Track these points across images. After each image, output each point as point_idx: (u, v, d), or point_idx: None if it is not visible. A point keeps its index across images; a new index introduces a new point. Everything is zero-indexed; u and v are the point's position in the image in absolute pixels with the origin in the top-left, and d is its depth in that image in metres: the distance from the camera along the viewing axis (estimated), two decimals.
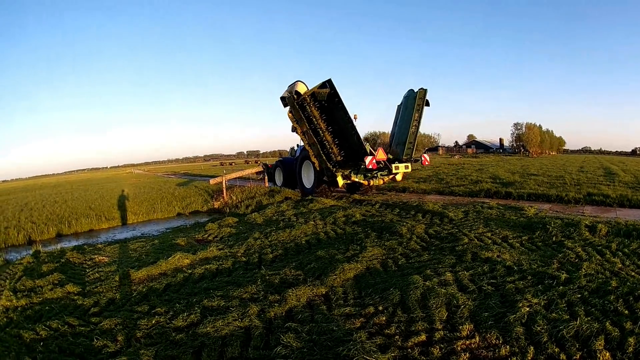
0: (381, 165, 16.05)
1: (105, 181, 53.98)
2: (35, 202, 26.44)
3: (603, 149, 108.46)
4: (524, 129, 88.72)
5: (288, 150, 24.53)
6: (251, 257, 9.25)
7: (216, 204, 20.74)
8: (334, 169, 15.80)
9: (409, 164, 16.44)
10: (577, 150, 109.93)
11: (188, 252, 9.94)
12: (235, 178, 24.34)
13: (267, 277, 7.42)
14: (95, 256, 10.57)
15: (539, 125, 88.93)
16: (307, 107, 15.40)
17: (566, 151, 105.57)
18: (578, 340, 4.32)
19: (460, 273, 6.66)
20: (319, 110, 15.69)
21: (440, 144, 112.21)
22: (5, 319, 6.59)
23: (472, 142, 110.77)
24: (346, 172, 15.98)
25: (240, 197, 20.32)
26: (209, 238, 12.41)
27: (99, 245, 12.28)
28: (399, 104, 17.67)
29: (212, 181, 23.02)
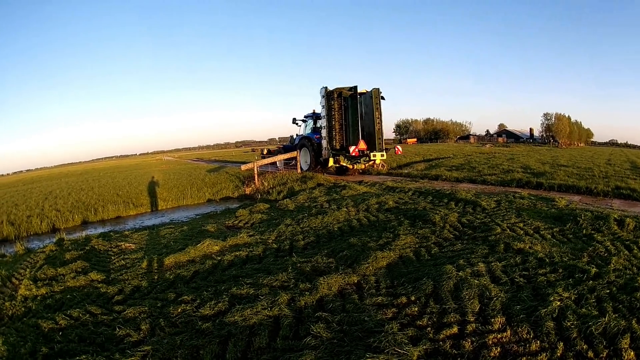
0: (362, 154, 20.63)
1: (134, 168, 54.84)
2: (60, 190, 26.99)
3: (629, 143, 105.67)
4: (553, 119, 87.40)
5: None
6: (282, 244, 9.24)
7: (247, 190, 20.89)
8: (329, 153, 21.10)
9: (384, 152, 21.02)
10: (604, 142, 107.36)
11: (218, 238, 10.00)
12: (267, 164, 24.41)
13: (298, 265, 7.40)
14: (122, 243, 10.71)
15: (568, 116, 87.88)
16: (331, 101, 20.89)
17: (594, 143, 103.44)
18: (605, 338, 4.24)
19: (493, 264, 6.56)
20: (340, 105, 21.11)
21: (471, 133, 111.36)
22: (23, 309, 6.71)
23: (502, 132, 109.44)
24: (338, 157, 20.94)
25: (272, 183, 20.37)
26: (240, 224, 12.48)
27: (126, 232, 12.46)
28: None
29: (243, 167, 23.10)
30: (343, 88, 21.03)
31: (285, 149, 25.72)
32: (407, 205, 11.93)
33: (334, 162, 21.21)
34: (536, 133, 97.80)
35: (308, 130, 24.52)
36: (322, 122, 21.69)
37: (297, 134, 26.01)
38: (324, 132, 21.42)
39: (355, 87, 20.63)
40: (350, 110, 20.88)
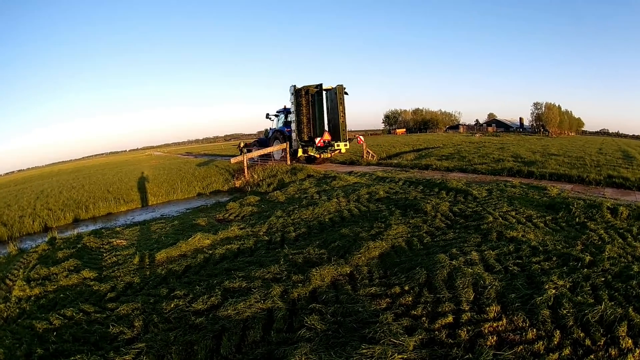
0: (327, 144, 23.19)
1: (124, 164, 54.33)
2: (52, 188, 26.65)
3: (621, 132, 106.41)
4: (543, 108, 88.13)
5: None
6: (273, 236, 9.16)
7: (237, 183, 20.75)
8: (298, 144, 23.08)
9: (347, 142, 23.74)
10: (596, 132, 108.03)
11: (209, 232, 9.88)
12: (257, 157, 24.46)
13: (290, 257, 7.33)
14: (113, 240, 10.60)
15: (558, 105, 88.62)
16: (299, 97, 22.73)
17: (584, 132, 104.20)
18: (602, 326, 4.21)
19: (486, 252, 6.52)
20: (307, 101, 23.04)
21: (461, 122, 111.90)
22: (17, 310, 6.60)
23: (492, 121, 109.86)
24: (306, 148, 23.04)
25: (261, 176, 20.28)
26: (230, 217, 12.38)
27: (117, 229, 12.34)
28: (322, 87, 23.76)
29: (233, 160, 22.99)
30: (310, 86, 23.10)
31: (260, 142, 27.84)
32: (398, 195, 11.87)
33: (303, 152, 23.37)
34: (526, 122, 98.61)
35: (280, 124, 26.20)
36: (291, 117, 23.53)
37: (270, 128, 28.01)
38: (293, 126, 23.39)
39: (321, 85, 23.18)
40: (317, 106, 23.38)
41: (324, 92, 23.57)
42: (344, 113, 23.15)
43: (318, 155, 23.96)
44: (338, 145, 23.28)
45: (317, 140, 22.86)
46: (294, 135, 23.56)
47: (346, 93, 22.96)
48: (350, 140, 24.83)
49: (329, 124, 24.08)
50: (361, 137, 27.91)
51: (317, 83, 23.25)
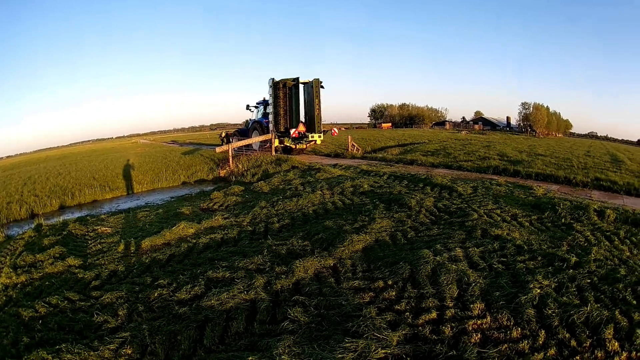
0: (302, 135, 23.97)
1: (110, 151, 53.76)
2: (39, 175, 26.23)
3: (609, 136, 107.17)
4: (531, 108, 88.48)
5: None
6: (257, 226, 9.16)
7: (222, 173, 20.73)
8: (274, 135, 23.58)
9: (322, 134, 24.40)
10: (584, 134, 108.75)
11: (193, 221, 9.87)
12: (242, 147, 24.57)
13: (274, 248, 7.35)
14: (98, 227, 10.50)
15: (547, 106, 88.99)
16: (277, 90, 23.33)
17: (572, 134, 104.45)
18: (588, 327, 4.27)
19: (470, 249, 6.58)
20: (285, 94, 23.58)
21: (447, 119, 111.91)
22: (4, 298, 6.53)
23: (479, 119, 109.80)
24: (282, 139, 23.97)
25: (246, 166, 20.31)
26: (214, 207, 12.36)
27: (102, 216, 12.22)
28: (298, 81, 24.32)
29: (218, 149, 23.06)
30: (287, 79, 23.62)
31: (240, 132, 29.07)
32: (382, 189, 11.91)
33: (279, 143, 24.25)
34: (513, 122, 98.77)
35: (259, 116, 27.33)
36: (269, 109, 24.38)
37: (250, 119, 29.02)
38: (271, 117, 24.15)
39: (297, 79, 23.75)
40: (293, 98, 23.89)
41: (300, 85, 24.26)
42: (319, 106, 23.93)
43: (293, 146, 24.97)
44: (312, 137, 24.05)
45: (292, 131, 23.56)
46: (270, 126, 24.29)
47: (322, 87, 23.76)
48: (325, 132, 25.67)
49: (305, 116, 24.76)
50: (335, 129, 29.74)
51: (294, 77, 23.84)
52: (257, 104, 27.73)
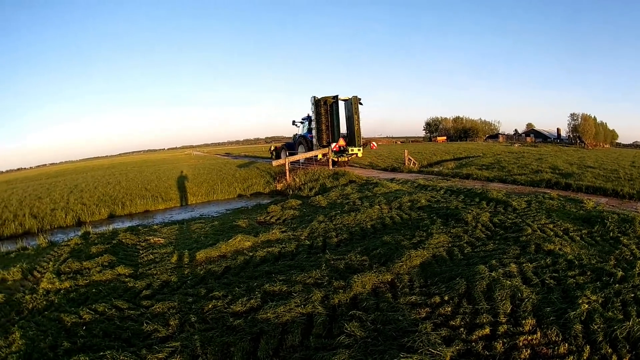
0: (342, 149, 26.20)
1: (162, 162, 55.37)
2: (86, 183, 27.46)
3: None
4: (579, 119, 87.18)
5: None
6: (315, 240, 9.29)
7: (279, 186, 21.24)
8: (318, 149, 25.64)
9: (361, 148, 26.68)
10: (629, 144, 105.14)
11: (249, 234, 10.09)
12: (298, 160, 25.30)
13: (332, 262, 7.43)
14: (150, 237, 10.88)
15: (594, 116, 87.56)
16: (319, 107, 25.81)
17: (618, 144, 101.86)
18: (629, 342, 4.28)
19: (524, 265, 6.61)
20: (326, 110, 25.93)
21: (500, 132, 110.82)
22: (44, 302, 6.86)
23: (530, 131, 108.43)
24: (325, 151, 25.24)
25: (303, 179, 20.66)
26: (272, 220, 12.59)
27: (155, 227, 12.67)
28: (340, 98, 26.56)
29: (274, 163, 23.65)
30: (328, 97, 26.01)
31: (288, 146, 31.41)
32: (439, 203, 11.94)
33: (323, 156, 25.94)
34: (563, 133, 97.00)
35: (304, 131, 29.63)
36: (312, 124, 26.78)
37: (296, 134, 31.31)
38: (314, 132, 26.54)
39: (337, 96, 26.06)
40: (334, 114, 26.13)
41: (340, 102, 26.37)
42: (359, 121, 26.16)
43: (336, 159, 26.67)
44: (352, 150, 26.18)
45: (333, 145, 25.55)
46: (314, 140, 26.66)
47: (361, 103, 26.17)
48: (364, 145, 28.36)
49: (347, 130, 26.93)
50: (374, 143, 34.24)
51: (334, 94, 26.08)
52: (302, 119, 29.97)
